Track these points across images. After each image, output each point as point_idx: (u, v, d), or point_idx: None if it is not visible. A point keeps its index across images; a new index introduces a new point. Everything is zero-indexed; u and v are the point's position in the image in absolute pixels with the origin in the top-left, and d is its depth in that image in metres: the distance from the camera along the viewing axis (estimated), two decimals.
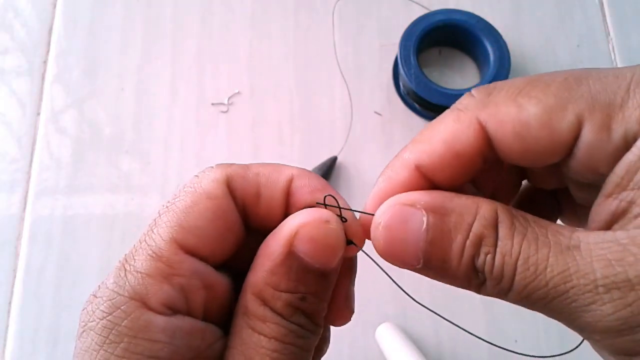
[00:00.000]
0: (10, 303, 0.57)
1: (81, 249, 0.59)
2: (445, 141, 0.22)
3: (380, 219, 0.21)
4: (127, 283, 0.21)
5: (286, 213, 0.24)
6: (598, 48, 0.68)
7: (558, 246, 0.19)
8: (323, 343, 0.25)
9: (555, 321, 0.20)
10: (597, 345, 0.20)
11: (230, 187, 0.23)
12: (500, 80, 0.55)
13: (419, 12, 0.66)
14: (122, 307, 0.20)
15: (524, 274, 0.19)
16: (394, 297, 0.56)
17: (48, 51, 0.68)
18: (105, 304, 0.20)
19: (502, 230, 0.20)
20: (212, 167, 0.24)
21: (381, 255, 0.21)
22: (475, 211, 0.20)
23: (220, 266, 0.24)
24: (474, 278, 0.20)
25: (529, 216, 0.20)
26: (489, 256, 0.20)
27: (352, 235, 0.23)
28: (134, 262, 0.21)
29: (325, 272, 0.22)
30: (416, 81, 0.61)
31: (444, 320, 0.26)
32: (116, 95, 0.66)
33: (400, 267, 0.22)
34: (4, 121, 0.65)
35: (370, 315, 0.56)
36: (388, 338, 0.53)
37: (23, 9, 0.70)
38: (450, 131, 0.22)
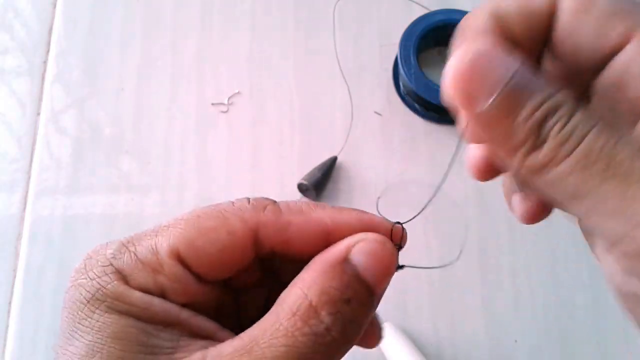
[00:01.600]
0: (10, 303, 0.57)
1: (81, 249, 0.59)
2: None
3: (475, 48, 0.20)
4: (121, 259, 0.23)
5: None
6: None
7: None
8: None
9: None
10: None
11: (258, 234, 0.24)
12: None
13: (419, 12, 0.66)
14: (109, 274, 0.22)
15: (593, 141, 0.18)
16: (394, 298, 0.56)
17: (48, 51, 0.68)
18: (97, 268, 0.22)
19: (580, 114, 0.19)
20: (247, 203, 0.24)
21: (453, 82, 0.20)
22: (560, 89, 0.20)
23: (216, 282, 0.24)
24: (533, 138, 0.19)
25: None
26: (562, 119, 0.19)
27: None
28: (138, 245, 0.23)
29: (373, 291, 0.23)
30: (416, 81, 0.61)
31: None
32: (116, 95, 0.66)
33: (462, 103, 0.20)
34: (4, 121, 0.65)
35: None
36: (388, 338, 0.53)
37: (23, 9, 0.70)
38: None
